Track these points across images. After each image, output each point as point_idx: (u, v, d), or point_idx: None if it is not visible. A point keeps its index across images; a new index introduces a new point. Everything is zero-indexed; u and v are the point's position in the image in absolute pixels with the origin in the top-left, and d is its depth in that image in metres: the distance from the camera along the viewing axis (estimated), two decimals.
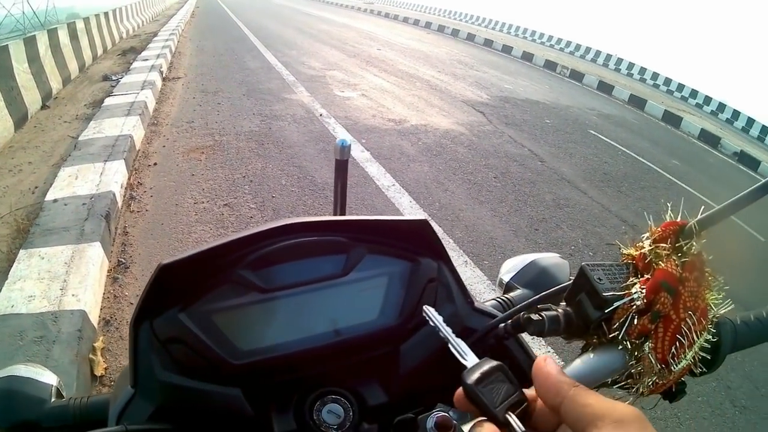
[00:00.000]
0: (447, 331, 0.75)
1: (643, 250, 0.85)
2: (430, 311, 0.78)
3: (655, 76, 34.78)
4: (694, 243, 0.82)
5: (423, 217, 0.98)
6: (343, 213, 1.77)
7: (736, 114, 28.84)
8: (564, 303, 0.90)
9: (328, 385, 0.90)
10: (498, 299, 1.21)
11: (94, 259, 5.21)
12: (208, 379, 0.85)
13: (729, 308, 0.84)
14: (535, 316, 0.86)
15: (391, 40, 29.46)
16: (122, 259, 5.76)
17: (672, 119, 20.64)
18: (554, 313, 0.87)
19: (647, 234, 0.86)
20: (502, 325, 0.94)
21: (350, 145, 1.75)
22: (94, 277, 4.97)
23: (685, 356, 0.80)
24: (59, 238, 5.57)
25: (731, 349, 0.90)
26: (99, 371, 4.18)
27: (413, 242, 0.99)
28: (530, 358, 1.01)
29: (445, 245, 1.02)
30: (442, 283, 1.01)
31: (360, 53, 22.49)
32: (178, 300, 0.84)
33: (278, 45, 22.65)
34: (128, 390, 0.86)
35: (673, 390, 0.85)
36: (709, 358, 0.83)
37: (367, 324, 0.94)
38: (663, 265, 0.81)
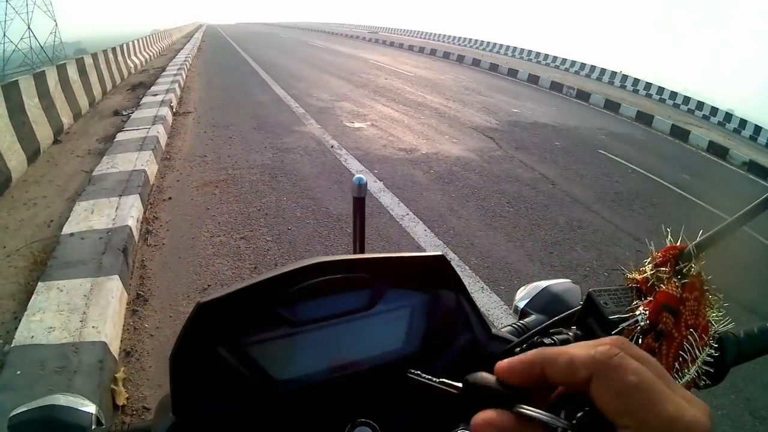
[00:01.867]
0: (436, 380, 0.72)
1: (645, 275, 0.90)
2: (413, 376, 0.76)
3: (660, 90, 34.86)
4: (693, 265, 0.86)
5: (440, 252, 1.02)
6: (362, 248, 1.80)
7: (743, 123, 28.95)
8: (574, 327, 0.98)
9: (357, 411, 0.94)
10: (514, 325, 1.25)
11: (114, 291, 5.23)
12: (246, 408, 0.90)
13: (729, 324, 0.89)
14: (547, 340, 0.94)
15: (397, 69, 29.61)
16: (141, 292, 5.77)
17: (680, 133, 20.76)
18: (565, 336, 0.94)
19: (649, 258, 0.91)
20: (518, 349, 1.01)
21: (366, 182, 1.79)
22: (113, 310, 4.99)
23: (689, 371, 0.86)
24: (77, 271, 5.59)
25: (735, 361, 0.94)
26: (121, 401, 4.20)
27: (432, 275, 1.03)
28: None
29: (461, 273, 1.07)
30: (461, 312, 1.06)
31: (367, 83, 22.61)
32: (216, 334, 0.87)
33: (286, 78, 22.83)
34: (170, 417, 0.89)
35: None
36: (712, 371, 0.88)
37: (393, 352, 1.00)
38: (664, 287, 0.86)
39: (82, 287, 5.27)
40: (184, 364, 0.87)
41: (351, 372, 0.94)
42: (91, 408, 1.09)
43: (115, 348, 4.68)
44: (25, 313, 4.86)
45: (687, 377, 0.86)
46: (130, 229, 6.61)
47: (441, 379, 0.70)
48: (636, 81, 37.01)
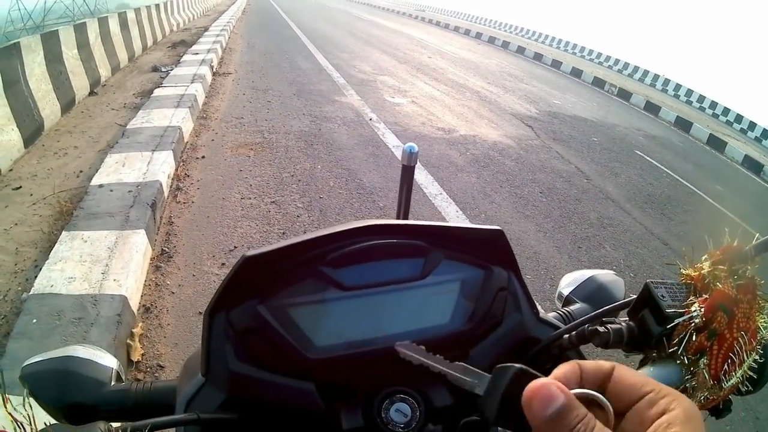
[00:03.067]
0: (439, 362, 0.71)
1: (702, 271, 0.87)
2: (403, 349, 0.74)
3: (701, 99, 34.57)
4: (749, 267, 0.84)
5: (498, 227, 0.99)
6: (406, 217, 1.79)
7: None
8: (626, 317, 0.93)
9: (397, 384, 0.89)
10: (559, 312, 1.22)
11: (138, 246, 5.23)
12: (282, 372, 0.85)
13: None
14: (600, 329, 0.89)
15: (441, 49, 29.55)
16: (166, 249, 5.78)
17: (717, 143, 20.48)
18: (618, 326, 0.89)
19: (706, 256, 0.88)
20: (566, 336, 0.96)
21: (418, 151, 1.76)
22: (136, 264, 4.98)
23: (735, 374, 0.83)
24: (103, 222, 5.60)
25: None
26: (136, 357, 4.20)
27: (487, 250, 1.00)
28: None
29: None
30: (512, 292, 1.02)
31: (410, 60, 22.57)
32: (257, 292, 0.84)
33: (329, 47, 22.83)
34: (199, 378, 0.85)
35: (720, 407, 0.88)
36: (755, 377, 0.85)
37: (439, 327, 0.94)
38: (720, 286, 0.84)
39: (106, 239, 5.28)
40: (220, 321, 0.84)
41: (394, 344, 0.84)
42: (111, 362, 1.04)
43: (134, 303, 4.69)
44: (47, 261, 4.87)
45: (733, 380, 0.83)
46: (161, 184, 6.60)
47: (460, 364, 0.68)
48: (678, 86, 36.68)
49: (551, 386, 0.53)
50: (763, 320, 0.83)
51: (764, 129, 29.93)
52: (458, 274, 0.96)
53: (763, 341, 0.83)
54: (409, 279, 0.91)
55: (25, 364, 0.97)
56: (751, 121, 30.83)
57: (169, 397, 0.93)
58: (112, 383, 0.99)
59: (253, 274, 0.82)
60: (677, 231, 9.10)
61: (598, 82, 28.28)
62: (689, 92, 35.63)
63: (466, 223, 0.96)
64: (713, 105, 33.60)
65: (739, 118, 31.49)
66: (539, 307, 1.06)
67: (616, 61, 43.03)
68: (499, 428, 0.67)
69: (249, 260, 0.80)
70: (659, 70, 40.58)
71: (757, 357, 0.82)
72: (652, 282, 0.87)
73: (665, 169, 13.28)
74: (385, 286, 0.90)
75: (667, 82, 37.63)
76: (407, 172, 1.75)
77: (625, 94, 26.11)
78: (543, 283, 6.25)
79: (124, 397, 0.96)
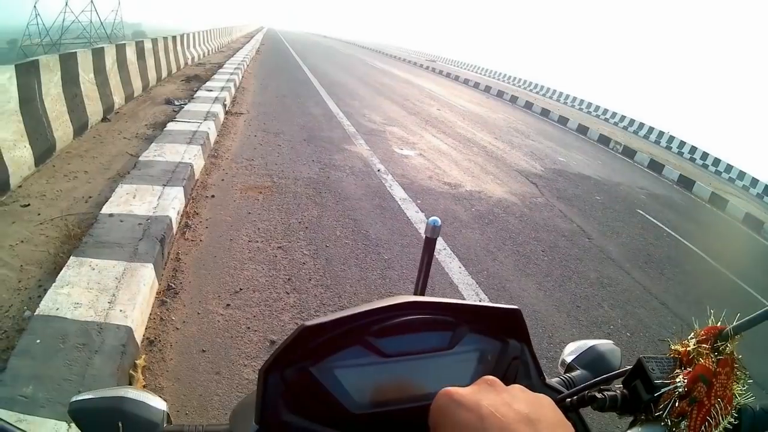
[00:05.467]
0: None
1: (687, 348, 1.02)
2: None
3: (704, 156, 35.04)
4: (729, 344, 0.97)
5: (516, 306, 1.11)
6: (424, 288, 1.84)
7: None
8: (620, 385, 1.07)
9: None
10: (562, 377, 1.33)
11: (146, 279, 5.26)
12: (328, 424, 0.95)
13: (751, 398, 0.99)
14: (598, 395, 1.04)
15: (450, 101, 29.67)
16: (172, 284, 5.82)
17: (718, 202, 20.77)
18: (613, 393, 1.04)
19: (692, 335, 1.04)
20: (568, 400, 1.09)
21: (441, 224, 1.81)
22: (143, 297, 5.02)
23: None
24: (112, 252, 5.64)
25: (748, 431, 1.02)
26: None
27: (505, 325, 1.12)
28: (587, 430, 1.14)
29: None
30: (523, 361, 1.15)
31: (420, 111, 22.67)
32: (310, 355, 0.94)
33: (341, 94, 23.01)
34: (254, 426, 0.93)
35: None
36: None
37: None
38: (702, 361, 0.98)
39: (114, 269, 5.31)
40: (275, 377, 0.93)
41: (425, 403, 0.93)
42: (162, 405, 1.11)
43: (139, 335, 4.72)
44: (54, 284, 4.92)
45: None
46: (170, 220, 6.66)
47: None
48: (682, 143, 37.14)
49: None
50: (738, 389, 0.97)
51: (766, 185, 30.29)
52: (479, 345, 1.07)
53: (738, 406, 0.96)
54: (439, 349, 1.03)
55: (73, 399, 1.03)
56: (753, 178, 31.32)
57: None
58: (165, 425, 1.07)
59: (307, 340, 0.92)
60: (675, 291, 9.14)
61: (604, 140, 28.60)
62: (693, 149, 36.15)
63: (488, 303, 1.07)
64: (716, 162, 34.16)
65: (741, 175, 32.12)
66: (545, 374, 1.17)
67: (622, 118, 43.70)
68: None
69: (307, 329, 0.91)
70: (664, 126, 41.05)
71: (731, 419, 0.95)
72: (644, 357, 1.00)
73: (666, 229, 13.40)
74: (419, 354, 1.01)
75: (671, 139, 38.20)
76: (429, 245, 1.80)
77: (629, 152, 26.40)
78: (541, 340, 6.25)
79: None
